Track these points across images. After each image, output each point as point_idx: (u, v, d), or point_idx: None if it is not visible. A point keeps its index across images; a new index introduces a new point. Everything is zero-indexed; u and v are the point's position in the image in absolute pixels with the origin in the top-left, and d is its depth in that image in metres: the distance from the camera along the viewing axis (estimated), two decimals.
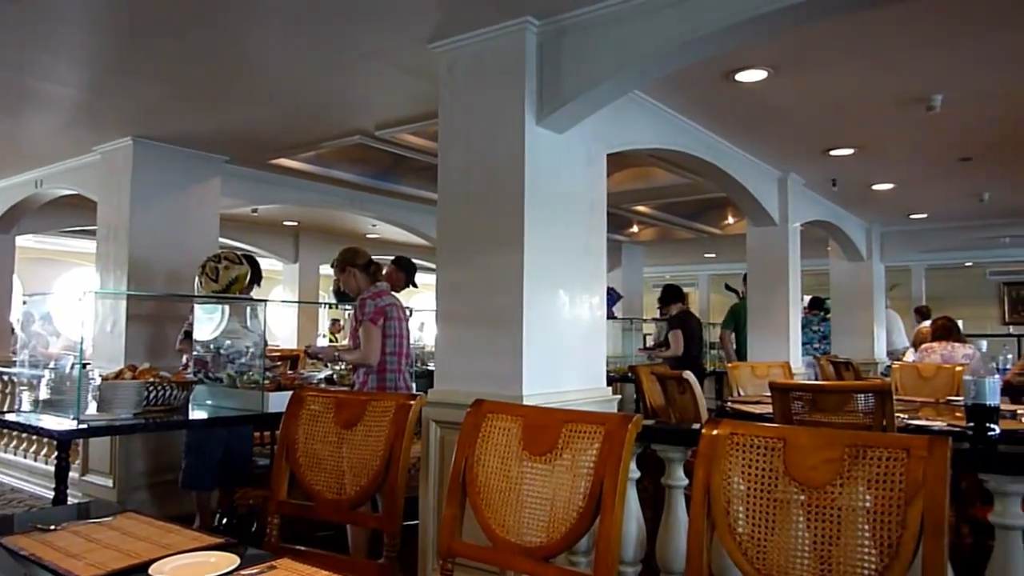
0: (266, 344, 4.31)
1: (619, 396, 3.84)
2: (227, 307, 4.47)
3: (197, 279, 4.49)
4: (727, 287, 10.23)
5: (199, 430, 4.28)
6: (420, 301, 12.54)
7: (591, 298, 3.64)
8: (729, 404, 4.51)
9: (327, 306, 11.52)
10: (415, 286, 5.32)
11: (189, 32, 3.48)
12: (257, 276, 4.77)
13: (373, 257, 4.14)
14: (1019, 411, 3.91)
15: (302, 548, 2.34)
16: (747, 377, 5.27)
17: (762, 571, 1.58)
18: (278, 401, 3.79)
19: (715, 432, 1.70)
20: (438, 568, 1.98)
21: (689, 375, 4.16)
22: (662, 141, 4.66)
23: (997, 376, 2.88)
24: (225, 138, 5.36)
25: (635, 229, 10.26)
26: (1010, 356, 8.32)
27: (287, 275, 10.99)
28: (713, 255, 14.01)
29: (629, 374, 6.56)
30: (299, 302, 10.71)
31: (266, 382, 4.10)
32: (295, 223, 10.00)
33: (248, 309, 4.58)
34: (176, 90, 4.33)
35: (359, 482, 2.20)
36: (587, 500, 1.77)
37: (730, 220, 9.46)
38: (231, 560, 1.50)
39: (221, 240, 6.23)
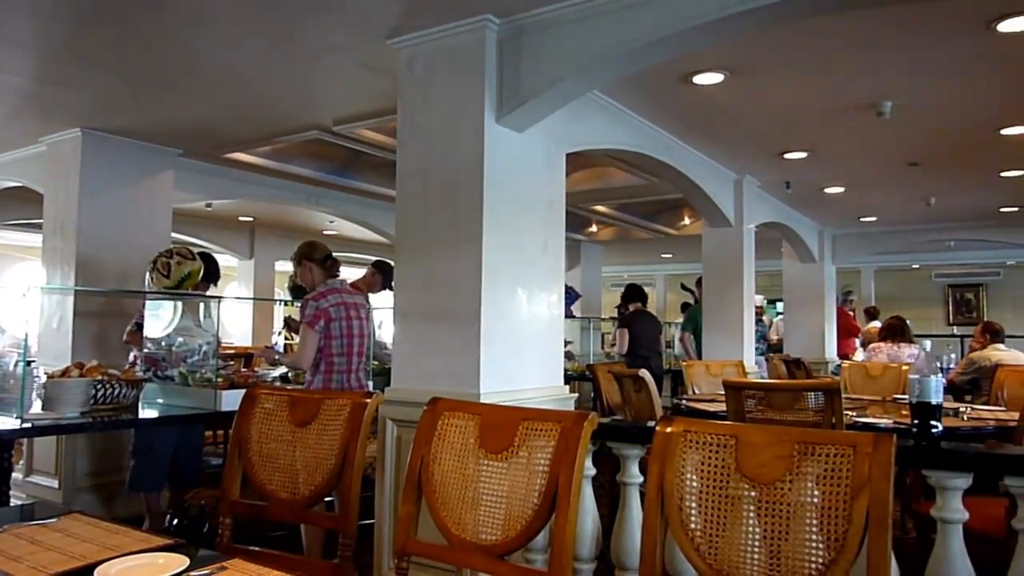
0: (219, 342, 4.24)
1: (576, 394, 3.86)
2: (179, 304, 4.38)
3: (148, 275, 4.39)
4: (683, 287, 10.37)
5: (147, 430, 4.18)
6: (378, 299, 12.44)
7: (549, 296, 3.65)
8: (684, 402, 4.57)
9: (283, 303, 11.36)
10: (391, 289, 5.28)
11: (140, 21, 3.40)
12: (215, 274, 4.69)
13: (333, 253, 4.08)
14: (961, 409, 4.04)
15: (255, 548, 2.31)
16: (702, 375, 5.35)
17: (714, 566, 1.61)
18: (231, 399, 3.73)
19: (669, 430, 1.72)
20: (393, 567, 1.97)
21: (645, 373, 4.21)
22: (620, 142, 4.70)
23: (940, 375, 2.97)
24: (178, 131, 5.25)
25: (594, 228, 10.34)
26: (953, 356, 8.58)
27: (242, 271, 10.82)
28: (670, 255, 14.19)
29: (587, 372, 6.61)
30: (253, 299, 10.54)
31: (219, 380, 4.03)
32: (250, 219, 9.84)
33: (201, 306, 4.50)
34: (127, 81, 4.22)
35: (313, 481, 2.17)
36: (542, 498, 1.78)
37: (686, 221, 9.59)
38: (180, 561, 1.48)
39: (174, 235, 6.10)
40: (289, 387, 4.28)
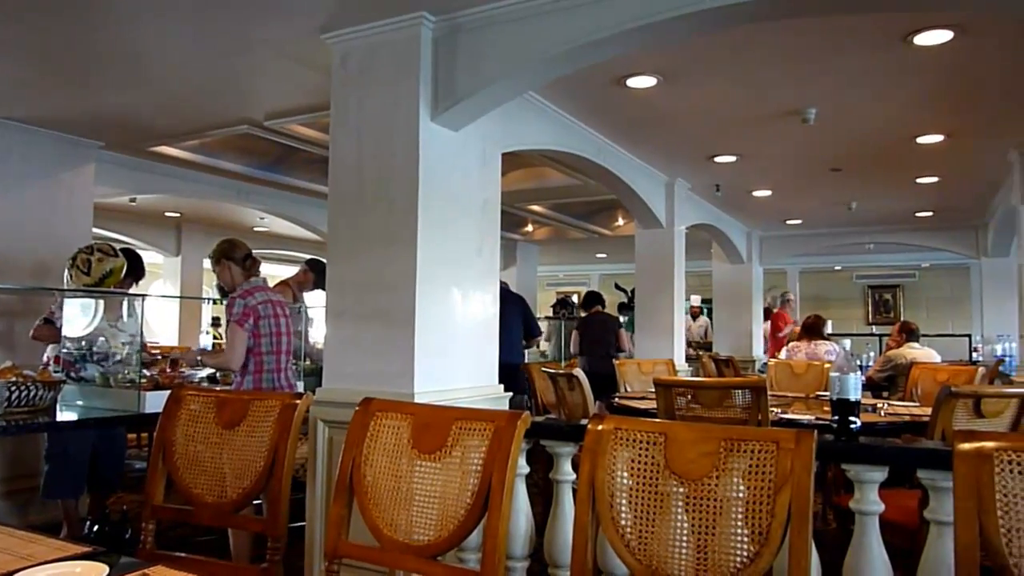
0: (143, 341, 4.09)
1: (510, 394, 3.88)
2: (101, 302, 4.21)
3: (67, 272, 4.21)
4: (617, 286, 10.54)
5: (62, 434, 4.00)
6: (309, 297, 12.20)
7: (484, 296, 3.65)
8: (616, 400, 4.63)
9: (211, 302, 11.05)
10: (324, 289, 5.19)
11: (58, 3, 3.25)
12: (138, 271, 4.52)
13: (254, 251, 3.98)
14: (879, 405, 4.21)
15: (180, 555, 2.25)
16: (634, 374, 5.44)
17: (643, 562, 1.64)
18: (156, 401, 3.60)
19: (600, 428, 1.75)
20: (324, 570, 1.94)
21: (579, 372, 4.26)
22: (555, 143, 4.74)
23: (859, 373, 3.09)
24: (99, 122, 5.05)
25: (529, 228, 10.39)
26: (872, 354, 8.96)
27: (168, 269, 10.46)
28: (604, 255, 14.38)
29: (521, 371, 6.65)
30: (180, 297, 10.22)
31: (143, 381, 3.89)
32: (177, 214, 9.54)
33: (124, 304, 4.33)
34: (44, 67, 4.03)
35: (241, 484, 2.13)
36: (475, 497, 1.78)
37: (620, 222, 9.74)
38: (99, 570, 1.42)
39: (95, 231, 5.87)
40: (218, 388, 4.17)
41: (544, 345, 9.95)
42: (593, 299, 7.68)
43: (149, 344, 5.69)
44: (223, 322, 11.13)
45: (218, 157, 6.30)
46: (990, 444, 1.47)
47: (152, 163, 6.23)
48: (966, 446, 1.48)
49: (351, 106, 3.39)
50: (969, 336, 11.04)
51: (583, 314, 7.71)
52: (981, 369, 4.95)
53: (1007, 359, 7.37)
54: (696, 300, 11.33)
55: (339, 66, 3.43)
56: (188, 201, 8.27)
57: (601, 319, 7.49)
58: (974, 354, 10.05)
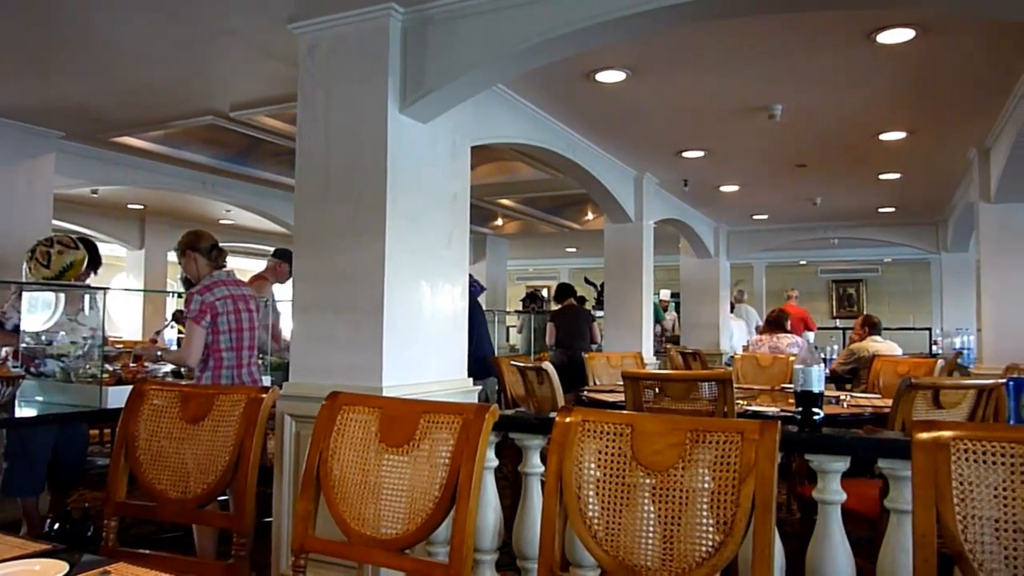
0: (105, 335, 4.02)
1: (480, 387, 3.87)
2: (62, 295, 4.12)
3: (25, 265, 4.11)
4: (586, 280, 10.59)
5: (22, 430, 3.91)
6: (276, 291, 12.06)
7: (453, 289, 3.64)
8: (585, 393, 4.66)
9: (175, 295, 10.89)
10: None
11: None
12: (95, 261, 4.43)
13: (221, 244, 3.92)
14: (842, 397, 4.29)
15: (143, 551, 2.21)
16: (603, 367, 5.47)
17: (610, 553, 1.65)
18: (118, 396, 3.53)
19: (568, 420, 1.75)
20: (290, 565, 1.92)
21: (547, 366, 4.27)
22: (525, 136, 4.74)
23: (823, 365, 3.14)
24: (59, 111, 4.93)
25: (499, 222, 10.39)
26: (836, 347, 9.12)
27: (131, 262, 10.28)
28: (574, 249, 14.43)
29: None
30: (143, 291, 10.05)
31: (105, 376, 3.82)
32: (141, 206, 9.37)
33: (86, 298, 4.25)
34: (1, 55, 3.93)
35: (206, 480, 2.10)
36: (443, 490, 1.78)
37: (590, 216, 9.78)
38: (59, 568, 1.39)
39: (55, 223, 5.74)
40: (183, 383, 4.11)
41: (515, 338, 9.98)
42: (566, 291, 7.70)
43: (111, 338, 5.59)
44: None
45: (183, 148, 6.20)
46: (947, 434, 1.50)
47: (115, 154, 6.11)
48: (924, 436, 1.51)
49: (318, 97, 3.35)
50: (929, 329, 11.29)
51: (556, 306, 7.72)
52: (940, 362, 5.07)
53: (965, 352, 7.55)
54: (665, 294, 11.44)
55: (306, 57, 3.39)
56: (152, 193, 8.13)
57: (576, 311, 7.53)
58: (934, 347, 10.27)
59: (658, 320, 9.87)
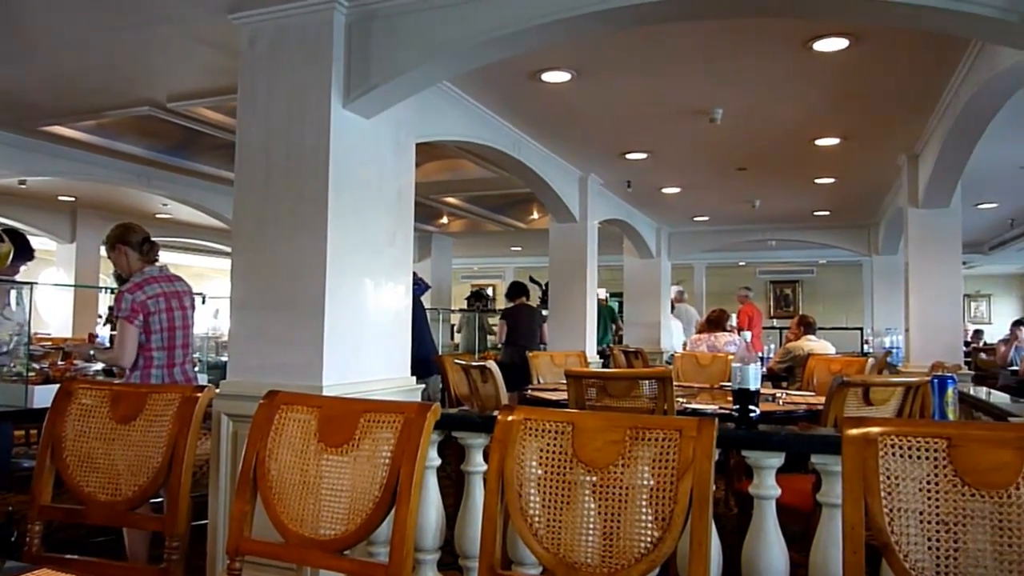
0: (30, 332, 3.86)
1: (423, 385, 3.85)
2: None
3: None
4: (531, 279, 10.64)
5: None
6: (215, 287, 11.81)
7: (396, 287, 3.61)
8: (529, 391, 4.67)
9: (107, 291, 10.54)
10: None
11: None
12: (26, 253, 4.24)
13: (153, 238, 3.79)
14: (778, 394, 4.40)
15: (71, 556, 2.14)
16: (546, 366, 5.50)
17: (551, 550, 1.65)
18: (45, 396, 3.40)
19: (510, 418, 1.75)
20: (225, 568, 1.88)
21: (491, 364, 4.27)
22: (470, 134, 4.73)
23: (759, 363, 3.21)
24: None
25: (445, 220, 10.35)
26: (773, 346, 9.35)
27: (62, 256, 9.90)
28: (519, 248, 14.47)
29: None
30: (74, 286, 9.69)
31: (31, 374, 3.68)
32: (72, 198, 9.04)
33: (13, 292, 4.07)
34: None
35: (137, 481, 2.04)
36: (384, 490, 1.76)
37: (535, 215, 9.82)
38: None
39: None
40: (117, 382, 3.98)
41: (459, 337, 9.96)
42: (518, 290, 7.65)
43: (39, 335, 5.38)
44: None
45: (117, 139, 6.00)
46: (875, 429, 1.55)
47: (44, 143, 5.88)
48: (853, 431, 1.56)
49: (260, 90, 3.28)
50: (861, 329, 11.68)
51: (508, 304, 7.70)
52: (871, 360, 5.25)
53: (894, 350, 7.81)
54: (602, 292, 11.51)
55: (248, 48, 3.31)
56: (84, 185, 7.85)
57: (528, 310, 7.54)
58: (865, 346, 10.63)
59: (614, 319, 9.98)
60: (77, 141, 5.92)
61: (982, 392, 4.56)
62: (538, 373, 5.42)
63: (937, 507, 1.47)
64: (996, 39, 2.85)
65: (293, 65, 3.22)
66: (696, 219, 9.66)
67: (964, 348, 6.64)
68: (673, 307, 10.49)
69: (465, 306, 10.59)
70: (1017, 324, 8.77)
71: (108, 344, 5.61)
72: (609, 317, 9.71)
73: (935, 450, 1.50)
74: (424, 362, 5.16)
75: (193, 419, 2.03)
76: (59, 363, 4.59)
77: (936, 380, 2.71)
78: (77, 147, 6.07)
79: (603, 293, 11.19)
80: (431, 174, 7.06)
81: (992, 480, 1.44)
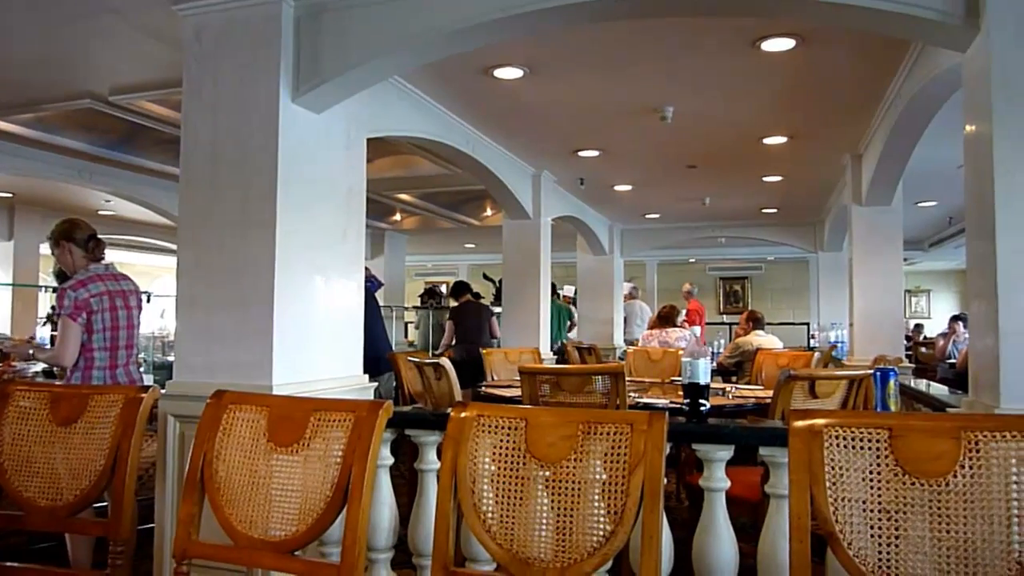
0: None
1: (375, 384, 3.82)
2: None
3: None
4: (485, 276, 10.63)
5: None
6: (161, 286, 11.53)
7: (348, 284, 3.57)
8: (483, 388, 4.67)
9: (47, 290, 10.20)
10: None
11: None
12: None
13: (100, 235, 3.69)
14: (728, 388, 4.48)
15: (11, 564, 2.06)
16: (500, 362, 5.50)
17: (504, 546, 1.66)
18: None
19: (463, 415, 1.75)
20: (172, 572, 1.84)
21: (445, 361, 4.25)
22: (423, 130, 4.70)
23: (709, 358, 3.26)
24: None
25: (398, 217, 10.27)
26: (723, 341, 9.53)
27: None
28: (473, 245, 14.45)
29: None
30: (13, 284, 9.36)
31: None
32: (9, 195, 8.72)
33: None
34: None
35: (79, 485, 1.98)
36: (335, 489, 1.74)
37: (489, 212, 9.82)
38: None
39: None
40: (57, 383, 3.86)
41: (413, 334, 9.90)
42: (462, 288, 7.70)
43: None
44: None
45: (57, 133, 5.80)
46: (820, 421, 1.59)
47: None
48: (800, 424, 1.60)
49: (206, 84, 3.21)
50: (808, 324, 11.97)
51: (454, 303, 7.72)
52: (817, 354, 5.37)
53: (839, 344, 8.02)
54: (570, 290, 11.57)
55: (193, 40, 3.23)
56: (22, 180, 7.57)
57: (475, 307, 7.54)
58: (811, 340, 10.89)
59: (570, 318, 10.02)
60: (13, 135, 5.71)
61: (922, 384, 4.72)
62: (492, 370, 5.42)
63: (879, 496, 1.52)
64: (939, 41, 2.93)
65: (240, 58, 3.15)
66: (648, 216, 9.77)
67: (905, 342, 6.84)
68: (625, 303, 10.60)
69: (419, 303, 10.54)
70: (955, 319, 9.07)
71: (49, 345, 5.44)
72: (567, 316, 9.76)
73: (877, 440, 1.54)
74: (377, 360, 5.11)
75: (137, 421, 1.99)
76: None
77: (878, 373, 2.78)
78: (13, 141, 5.86)
79: (570, 292, 11.27)
80: (384, 170, 7.00)
81: (931, 469, 1.49)
